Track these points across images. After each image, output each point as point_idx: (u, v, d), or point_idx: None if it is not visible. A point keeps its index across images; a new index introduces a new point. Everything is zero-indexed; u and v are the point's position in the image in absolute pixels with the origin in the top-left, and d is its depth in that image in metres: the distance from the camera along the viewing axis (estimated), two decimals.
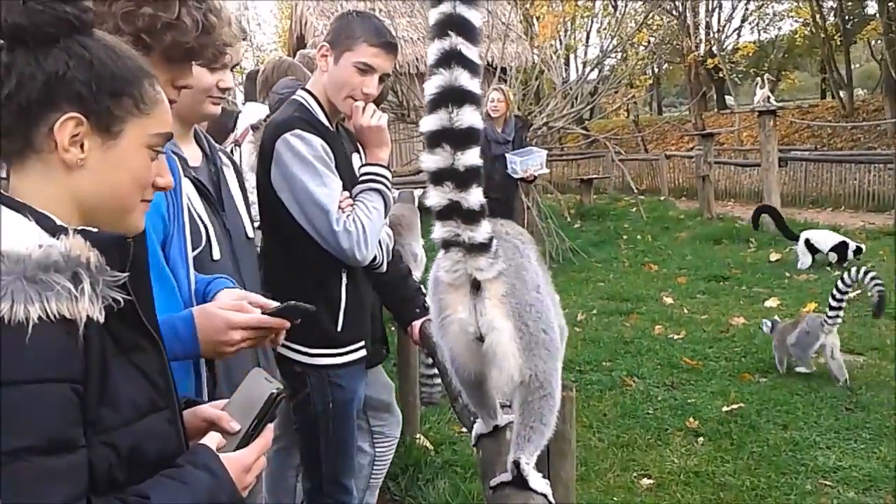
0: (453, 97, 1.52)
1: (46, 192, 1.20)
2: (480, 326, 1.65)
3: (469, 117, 1.53)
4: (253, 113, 3.86)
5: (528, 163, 7.54)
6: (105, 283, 1.13)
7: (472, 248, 1.60)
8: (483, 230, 1.60)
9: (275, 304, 1.84)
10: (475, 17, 1.52)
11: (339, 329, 2.68)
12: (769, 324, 5.81)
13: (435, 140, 1.54)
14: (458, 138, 1.53)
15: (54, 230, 1.14)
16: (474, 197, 1.56)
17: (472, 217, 1.58)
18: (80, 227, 1.17)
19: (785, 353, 5.60)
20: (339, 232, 2.50)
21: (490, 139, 7.62)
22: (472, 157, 1.55)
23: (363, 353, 2.79)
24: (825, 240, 8.85)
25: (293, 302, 1.84)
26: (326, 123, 2.67)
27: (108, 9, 1.65)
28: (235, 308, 1.78)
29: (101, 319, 1.11)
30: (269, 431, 1.40)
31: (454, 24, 1.51)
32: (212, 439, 1.32)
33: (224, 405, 1.42)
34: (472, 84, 1.52)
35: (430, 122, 1.54)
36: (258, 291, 2.33)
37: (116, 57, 1.23)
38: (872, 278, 5.53)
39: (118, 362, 1.17)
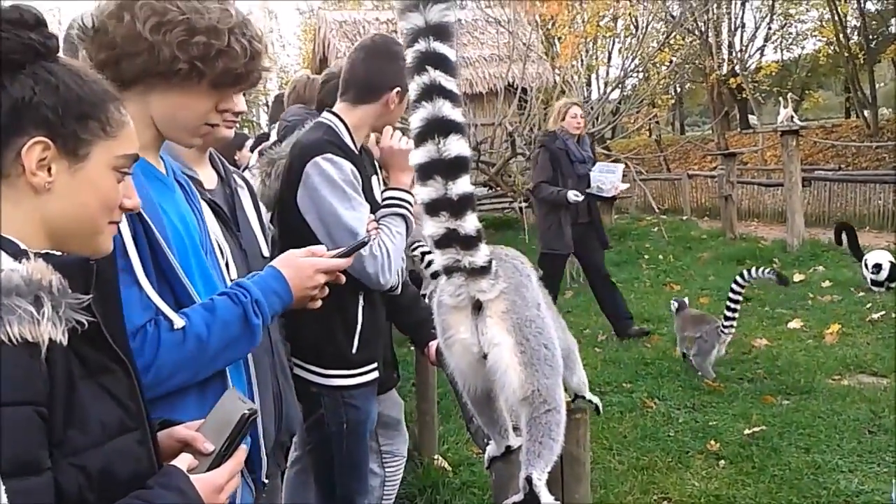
0: (439, 128, 1.58)
1: (14, 216, 1.20)
2: (483, 345, 1.70)
3: (456, 146, 1.59)
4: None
5: (614, 179, 7.07)
6: (68, 306, 1.13)
7: (474, 272, 1.66)
8: (482, 254, 1.65)
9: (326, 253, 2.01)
10: (450, 51, 1.59)
11: (354, 350, 2.70)
12: (676, 303, 6.30)
13: (426, 172, 1.60)
14: (448, 168, 1.59)
15: (17, 254, 1.15)
16: (470, 223, 1.62)
17: (470, 243, 1.63)
18: (42, 251, 1.18)
19: (683, 342, 6.14)
20: (366, 256, 2.53)
21: (574, 159, 7.13)
22: (463, 184, 1.61)
23: (376, 374, 2.80)
24: (871, 260, 8.73)
25: (352, 244, 2.06)
26: (352, 147, 2.70)
27: (162, 38, 1.68)
28: (309, 255, 1.94)
29: (65, 342, 1.12)
30: (242, 452, 1.40)
31: (431, 60, 1.58)
32: (183, 460, 1.32)
33: (199, 426, 1.42)
34: (454, 114, 1.59)
35: (419, 155, 1.60)
36: None
37: (82, 81, 1.25)
38: (764, 269, 6.06)
39: (86, 384, 1.18)
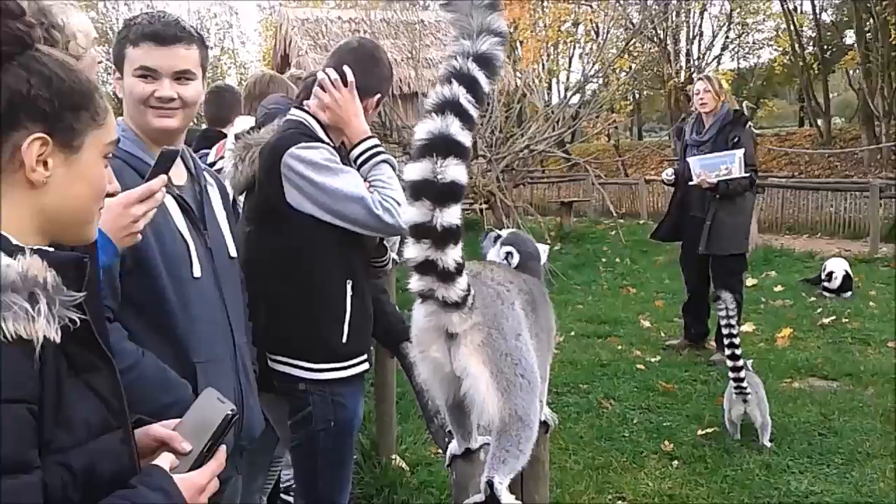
0: (441, 147, 1.50)
1: (9, 212, 1.19)
2: (455, 369, 1.68)
3: (453, 171, 1.50)
4: (242, 127, 3.87)
5: (707, 164, 6.18)
6: (61, 304, 1.12)
7: (446, 305, 1.61)
8: (458, 288, 1.60)
9: None
10: (484, 81, 1.53)
11: (344, 341, 2.65)
12: None
13: (417, 191, 1.52)
14: (439, 194, 1.51)
15: (11, 250, 1.14)
16: (450, 257, 1.56)
17: (447, 276, 1.58)
18: (36, 247, 1.17)
19: None
20: (381, 213, 2.50)
21: (688, 143, 6.49)
22: (451, 215, 1.53)
23: (366, 366, 2.77)
24: (827, 268, 8.91)
25: (159, 160, 1.90)
26: (327, 141, 2.66)
27: None
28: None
29: (58, 340, 1.10)
30: (223, 453, 1.40)
31: (460, 78, 1.51)
32: (165, 460, 1.32)
33: (175, 425, 1.41)
34: (461, 135, 1.51)
35: (414, 171, 1.52)
36: (241, 309, 2.34)
37: (70, 71, 1.24)
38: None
39: (72, 382, 1.17)
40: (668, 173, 6.63)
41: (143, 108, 2.12)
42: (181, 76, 2.15)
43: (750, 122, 6.51)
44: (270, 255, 2.66)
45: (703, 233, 6.34)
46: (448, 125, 1.50)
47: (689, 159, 6.30)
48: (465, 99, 1.51)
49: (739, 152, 6.21)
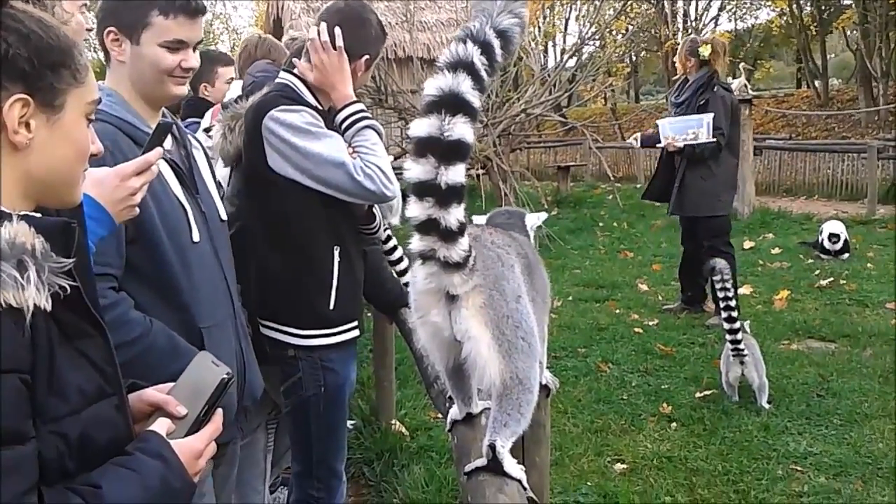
0: (450, 104, 1.48)
1: None
2: (456, 333, 1.67)
3: (460, 129, 1.49)
4: (235, 93, 3.83)
5: (676, 127, 6.22)
6: (51, 270, 1.10)
7: (447, 266, 1.60)
8: (459, 248, 1.59)
9: None
10: (498, 50, 1.52)
11: (331, 307, 2.65)
12: None
13: (422, 147, 1.50)
14: (446, 150, 1.49)
15: None
16: (453, 216, 1.55)
17: (449, 236, 1.57)
18: (23, 213, 1.14)
19: None
20: (362, 179, 2.49)
21: (673, 103, 6.68)
22: (455, 173, 1.51)
23: (356, 332, 2.77)
24: (828, 229, 8.87)
25: (153, 134, 1.87)
26: (315, 104, 2.63)
27: None
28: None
29: (48, 308, 1.08)
30: (219, 417, 1.39)
31: (477, 41, 1.50)
32: (161, 425, 1.30)
33: (169, 389, 1.40)
34: (471, 95, 1.49)
35: (421, 127, 1.50)
36: (234, 275, 2.33)
37: (47, 27, 1.20)
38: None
39: (64, 350, 1.15)
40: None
41: (164, 78, 2.10)
42: (196, 45, 2.16)
43: (723, 86, 6.50)
44: (258, 221, 2.65)
45: (672, 194, 6.45)
46: (459, 83, 1.48)
47: (658, 121, 6.39)
48: (478, 60, 1.49)
49: (708, 116, 6.21)
